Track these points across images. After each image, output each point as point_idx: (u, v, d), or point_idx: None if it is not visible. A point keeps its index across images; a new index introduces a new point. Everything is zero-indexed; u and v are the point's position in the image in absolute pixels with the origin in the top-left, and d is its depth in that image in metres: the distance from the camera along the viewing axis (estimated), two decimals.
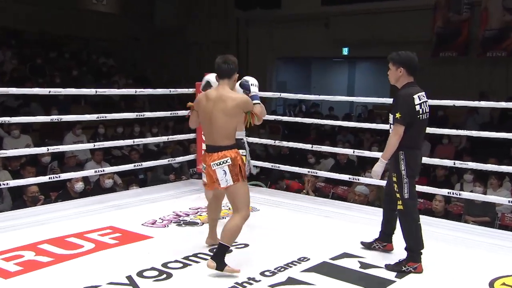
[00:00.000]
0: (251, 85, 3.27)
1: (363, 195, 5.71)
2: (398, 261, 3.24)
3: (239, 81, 3.37)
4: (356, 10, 13.06)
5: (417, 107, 3.15)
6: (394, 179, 3.24)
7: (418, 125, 3.21)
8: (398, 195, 3.23)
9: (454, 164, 4.49)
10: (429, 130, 4.69)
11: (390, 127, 3.24)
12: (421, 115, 3.17)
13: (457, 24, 11.82)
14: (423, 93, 3.22)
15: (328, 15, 13.64)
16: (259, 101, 3.24)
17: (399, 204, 3.23)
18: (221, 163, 3.09)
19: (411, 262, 3.18)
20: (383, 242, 3.55)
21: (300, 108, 14.66)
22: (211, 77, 3.80)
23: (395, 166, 3.22)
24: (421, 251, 3.21)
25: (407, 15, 12.21)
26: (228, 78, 3.19)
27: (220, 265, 3.07)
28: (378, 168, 3.25)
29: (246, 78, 3.35)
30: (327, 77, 16.65)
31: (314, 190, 6.27)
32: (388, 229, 3.53)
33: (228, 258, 3.36)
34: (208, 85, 3.79)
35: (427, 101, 3.24)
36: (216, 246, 3.21)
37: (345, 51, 14.40)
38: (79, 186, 5.29)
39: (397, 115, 3.12)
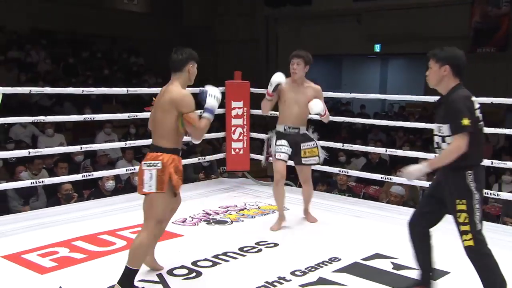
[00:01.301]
0: (209, 95, 2.84)
1: (399, 196, 5.50)
2: None
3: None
4: (389, 5, 12.83)
5: (477, 112, 2.58)
6: (462, 206, 2.55)
7: (481, 135, 2.63)
8: (466, 228, 2.55)
9: (492, 163, 4.33)
10: None
11: (443, 141, 2.61)
12: (481, 123, 2.62)
13: (496, 18, 11.47)
14: None
15: (360, 11, 13.46)
16: (208, 116, 2.80)
17: (466, 240, 2.55)
18: (151, 165, 2.73)
19: None
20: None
21: None
22: (279, 78, 3.81)
23: (463, 190, 2.55)
24: None
25: (442, 9, 11.93)
26: (178, 70, 2.82)
27: None
28: (416, 171, 2.61)
29: (208, 87, 2.91)
30: (358, 75, 16.43)
31: (346, 189, 6.18)
32: (427, 266, 2.84)
33: (258, 257, 3.37)
34: (276, 87, 3.83)
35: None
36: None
37: (377, 47, 14.17)
38: (110, 184, 5.36)
39: (465, 121, 2.46)
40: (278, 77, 3.85)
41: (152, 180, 2.71)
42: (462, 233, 2.58)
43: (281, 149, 3.90)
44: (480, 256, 2.59)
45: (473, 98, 2.59)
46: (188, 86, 2.88)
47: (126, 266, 2.73)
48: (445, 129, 2.59)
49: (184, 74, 2.83)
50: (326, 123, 4.17)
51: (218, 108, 2.96)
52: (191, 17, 15.97)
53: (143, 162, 2.78)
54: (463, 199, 2.56)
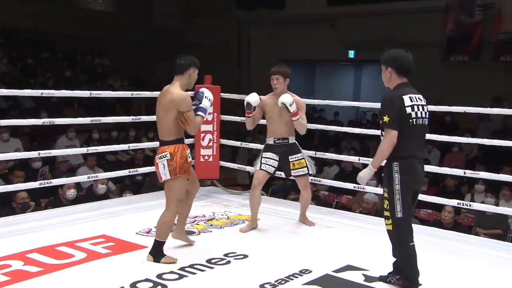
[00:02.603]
0: (205, 97, 3.38)
1: (372, 202, 5.54)
2: None
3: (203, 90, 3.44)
4: (364, 11, 12.91)
5: (408, 109, 2.80)
6: (385, 194, 2.90)
7: (412, 131, 2.84)
8: (387, 213, 2.90)
9: (465, 173, 4.36)
10: (438, 137, 4.53)
11: (382, 134, 2.91)
12: (414, 119, 2.82)
13: (469, 27, 11.64)
14: (419, 95, 2.90)
15: (334, 16, 13.48)
16: (203, 114, 3.36)
17: (387, 224, 2.92)
18: (162, 157, 3.28)
19: None
20: (397, 274, 3.08)
21: None
22: (250, 97, 4.03)
23: (387, 179, 2.88)
24: (419, 279, 2.89)
25: (416, 17, 12.05)
26: (180, 73, 3.29)
27: (157, 258, 3.31)
28: (365, 174, 2.92)
29: (203, 89, 3.45)
30: (332, 81, 16.47)
31: (312, 198, 6.09)
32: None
33: (226, 269, 3.30)
34: (249, 105, 4.03)
35: (425, 104, 2.89)
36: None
37: (351, 53, 14.23)
38: (71, 193, 5.15)
39: (385, 118, 2.79)
40: (250, 97, 4.07)
41: (165, 169, 3.25)
42: (385, 217, 2.94)
43: (267, 162, 4.10)
44: (398, 240, 2.91)
45: (405, 96, 2.82)
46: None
47: (155, 239, 3.35)
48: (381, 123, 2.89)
49: (185, 78, 3.30)
50: (301, 133, 4.17)
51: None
52: (161, 17, 15.66)
53: (156, 157, 3.32)
54: (386, 187, 2.90)
